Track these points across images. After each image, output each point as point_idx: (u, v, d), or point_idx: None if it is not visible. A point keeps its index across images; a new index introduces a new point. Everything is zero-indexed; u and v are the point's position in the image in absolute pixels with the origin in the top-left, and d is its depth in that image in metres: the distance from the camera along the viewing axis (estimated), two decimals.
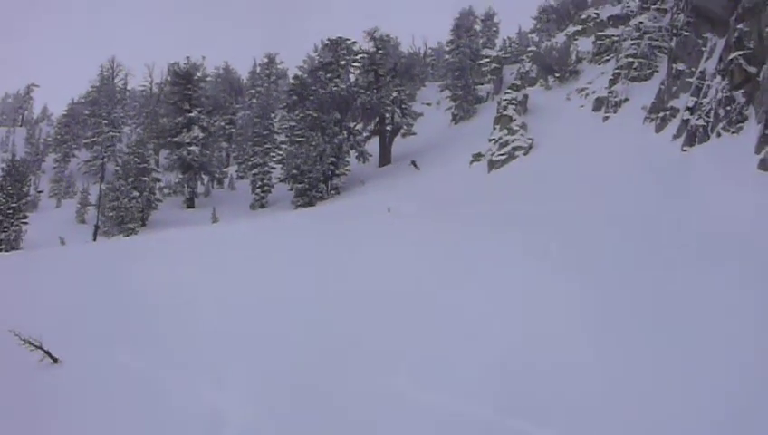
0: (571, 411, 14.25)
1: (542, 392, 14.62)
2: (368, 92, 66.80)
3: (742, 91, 38.53)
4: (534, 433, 13.04)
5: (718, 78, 40.89)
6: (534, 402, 13.62)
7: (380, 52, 69.45)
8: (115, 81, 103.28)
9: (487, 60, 79.72)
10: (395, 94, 67.26)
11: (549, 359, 18.22)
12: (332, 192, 59.72)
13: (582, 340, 18.81)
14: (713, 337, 14.93)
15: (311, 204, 57.26)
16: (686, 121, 40.73)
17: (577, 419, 13.82)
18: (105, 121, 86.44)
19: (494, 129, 52.66)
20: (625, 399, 15.47)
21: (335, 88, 64.02)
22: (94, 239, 56.61)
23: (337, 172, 60.86)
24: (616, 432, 12.94)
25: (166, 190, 69.72)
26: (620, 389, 15.08)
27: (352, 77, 70.50)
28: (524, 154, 48.46)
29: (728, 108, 38.68)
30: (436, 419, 15.67)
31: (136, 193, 60.26)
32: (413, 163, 37.77)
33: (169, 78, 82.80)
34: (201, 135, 69.74)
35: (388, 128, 68.05)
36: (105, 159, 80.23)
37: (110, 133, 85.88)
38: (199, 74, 78.53)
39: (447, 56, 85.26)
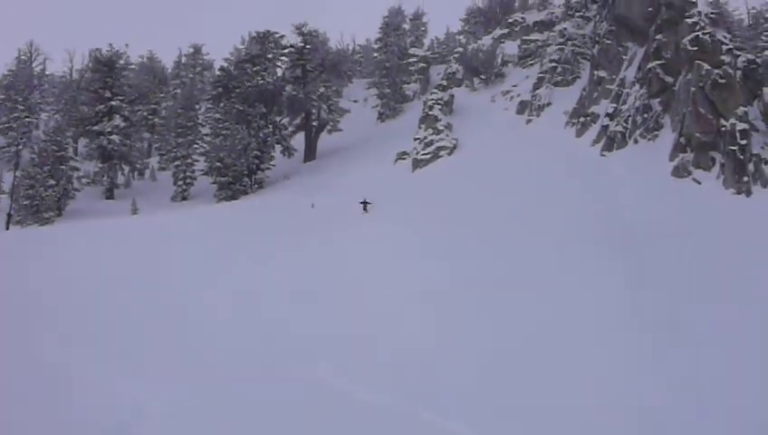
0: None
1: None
2: (295, 87, 66.30)
3: (659, 99, 39.89)
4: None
5: (637, 86, 42.21)
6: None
7: (308, 47, 69.07)
8: (33, 65, 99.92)
9: (415, 59, 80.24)
10: (322, 90, 66.97)
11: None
12: (256, 186, 59.05)
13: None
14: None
15: (234, 197, 56.48)
16: (605, 127, 41.90)
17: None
18: (21, 107, 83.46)
19: (420, 128, 53.11)
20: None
21: (262, 81, 63.29)
22: (7, 229, 54.73)
23: (261, 166, 60.19)
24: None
25: (84, 180, 67.67)
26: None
27: (279, 71, 69.85)
28: (449, 154, 48.98)
29: (645, 115, 39.97)
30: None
31: (53, 182, 58.33)
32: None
33: (91, 65, 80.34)
34: (122, 124, 67.96)
35: (314, 123, 67.70)
36: (20, 146, 77.26)
37: (27, 119, 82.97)
38: (122, 62, 76.47)
39: (375, 54, 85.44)
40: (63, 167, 60.67)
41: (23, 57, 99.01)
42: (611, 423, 15.10)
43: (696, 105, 35.26)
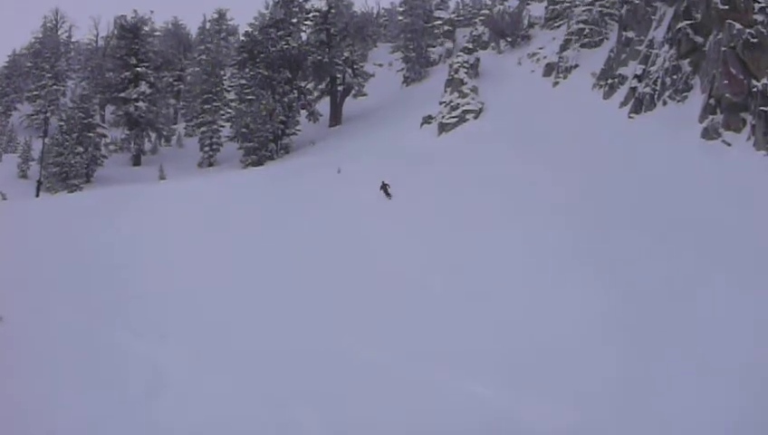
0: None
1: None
2: (319, 52, 66.00)
3: (688, 60, 39.07)
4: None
5: (666, 47, 41.37)
6: None
7: (333, 11, 68.58)
8: (59, 32, 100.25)
9: (440, 22, 79.48)
10: (347, 54, 66.67)
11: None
12: (282, 152, 59.18)
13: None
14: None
15: (260, 163, 56.64)
16: (633, 89, 41.20)
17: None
18: (49, 75, 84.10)
19: (446, 92, 52.61)
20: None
21: (286, 46, 63.06)
22: (37, 195, 55.39)
23: (287, 132, 60.24)
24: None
25: (112, 147, 68.25)
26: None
27: (304, 36, 69.58)
28: (475, 118, 48.60)
29: (674, 77, 39.22)
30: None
31: (80, 149, 58.89)
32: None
33: (116, 32, 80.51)
34: (148, 91, 68.30)
35: (339, 88, 67.53)
36: (48, 114, 78.02)
37: (54, 87, 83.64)
38: (147, 29, 76.60)
39: (400, 17, 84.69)
40: (91, 134, 61.26)
41: (48, 25, 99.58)
42: None
43: (727, 65, 34.49)
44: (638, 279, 21.41)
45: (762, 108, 32.75)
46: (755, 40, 34.28)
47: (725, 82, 34.47)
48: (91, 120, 62.35)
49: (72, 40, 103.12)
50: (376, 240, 28.44)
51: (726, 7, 36.17)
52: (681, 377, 15.85)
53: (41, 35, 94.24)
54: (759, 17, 35.49)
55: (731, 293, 19.45)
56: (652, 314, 18.98)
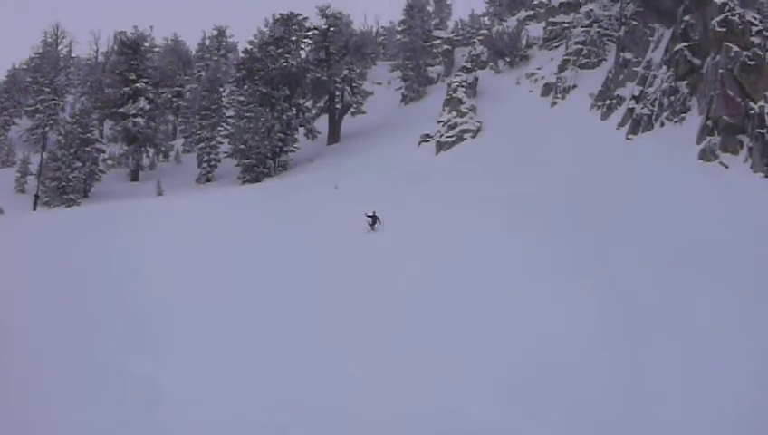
0: None
1: None
2: (318, 69, 66.17)
3: (686, 81, 39.38)
4: None
5: (664, 68, 41.69)
6: None
7: (332, 29, 68.80)
8: (59, 47, 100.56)
9: (439, 41, 79.83)
10: (345, 72, 66.87)
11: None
12: (280, 169, 59.27)
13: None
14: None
15: (257, 180, 56.69)
16: (631, 110, 41.47)
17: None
18: (48, 89, 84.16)
19: (444, 111, 52.83)
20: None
21: (285, 64, 63.27)
22: (34, 209, 55.38)
23: (285, 149, 60.30)
24: None
25: (110, 162, 68.35)
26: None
27: (303, 53, 69.81)
28: (473, 137, 48.77)
29: (672, 98, 39.50)
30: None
31: (78, 164, 58.89)
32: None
33: (116, 47, 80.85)
34: (147, 107, 68.40)
35: (337, 106, 67.64)
36: (47, 128, 78.10)
37: (53, 101, 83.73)
38: (147, 45, 76.98)
39: (399, 36, 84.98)
40: (89, 149, 61.30)
41: (48, 40, 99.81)
42: None
43: (724, 87, 34.77)
44: (635, 293, 21.61)
45: (759, 130, 32.98)
46: (752, 62, 34.57)
47: (723, 103, 34.73)
48: (89, 135, 62.36)
49: (72, 55, 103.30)
50: (373, 256, 28.42)
51: (724, 30, 36.50)
52: (677, 385, 16.05)
53: (41, 50, 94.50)
54: (756, 40, 35.81)
55: (727, 307, 19.73)
56: (649, 325, 19.18)
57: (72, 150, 59.47)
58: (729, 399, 15.29)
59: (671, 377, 16.62)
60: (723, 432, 14.45)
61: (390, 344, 19.45)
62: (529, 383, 16.63)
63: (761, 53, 35.02)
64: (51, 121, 79.90)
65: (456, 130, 49.48)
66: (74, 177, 58.02)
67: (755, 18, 37.41)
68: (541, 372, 17.13)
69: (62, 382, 17.58)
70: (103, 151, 65.49)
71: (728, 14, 36.77)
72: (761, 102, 33.54)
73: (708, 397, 15.47)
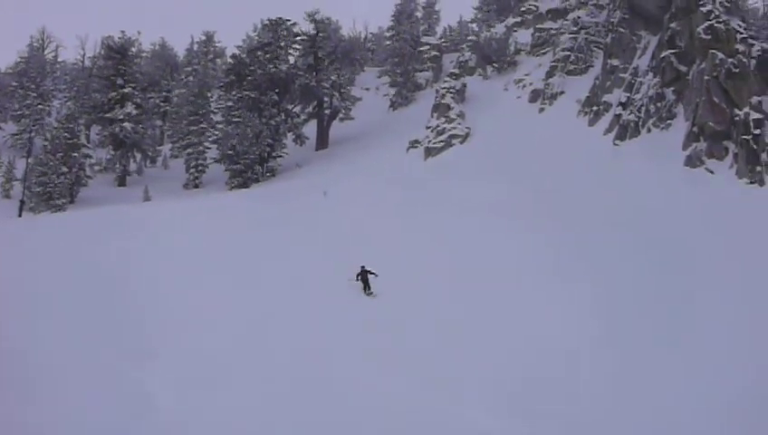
0: None
1: None
2: (307, 75, 66.14)
3: (672, 88, 39.62)
4: None
5: (650, 75, 41.92)
6: None
7: (321, 34, 68.82)
8: (45, 52, 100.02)
9: (427, 47, 79.91)
10: (334, 78, 66.83)
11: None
12: (268, 174, 59.08)
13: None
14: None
15: (245, 185, 56.47)
16: (618, 116, 41.69)
17: None
18: (34, 94, 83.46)
19: (432, 116, 52.94)
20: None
21: (274, 69, 63.14)
22: (19, 215, 54.99)
23: (273, 154, 60.11)
24: None
25: (97, 167, 67.89)
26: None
27: (292, 59, 69.74)
28: (461, 142, 48.89)
29: (658, 104, 39.72)
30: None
31: (65, 169, 58.45)
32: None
33: (103, 52, 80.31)
34: (135, 112, 67.93)
35: (326, 111, 67.53)
36: (33, 133, 77.42)
37: (39, 106, 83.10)
38: (134, 50, 76.50)
39: (388, 42, 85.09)
40: (76, 154, 60.90)
41: (35, 44, 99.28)
42: None
43: (710, 94, 35.04)
44: (621, 292, 21.96)
45: (744, 136, 33.26)
46: (737, 69, 34.87)
47: (708, 110, 35.01)
48: (76, 140, 61.96)
49: (59, 60, 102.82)
50: (364, 259, 28.44)
51: (709, 37, 36.80)
52: (673, 377, 16.43)
53: (26, 55, 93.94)
54: (741, 47, 36.13)
55: (712, 306, 20.09)
56: (640, 324, 19.52)
57: (58, 156, 59.06)
58: (721, 388, 15.72)
59: (666, 370, 16.93)
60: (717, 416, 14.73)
61: (388, 352, 19.57)
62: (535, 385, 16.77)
63: (745, 60, 35.33)
64: (37, 126, 79.30)
65: (445, 135, 49.60)
66: (60, 182, 57.62)
67: (740, 26, 37.75)
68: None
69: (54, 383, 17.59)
70: (90, 157, 65.12)
71: (713, 21, 37.10)
72: (746, 109, 33.83)
73: (701, 388, 15.92)
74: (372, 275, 27.27)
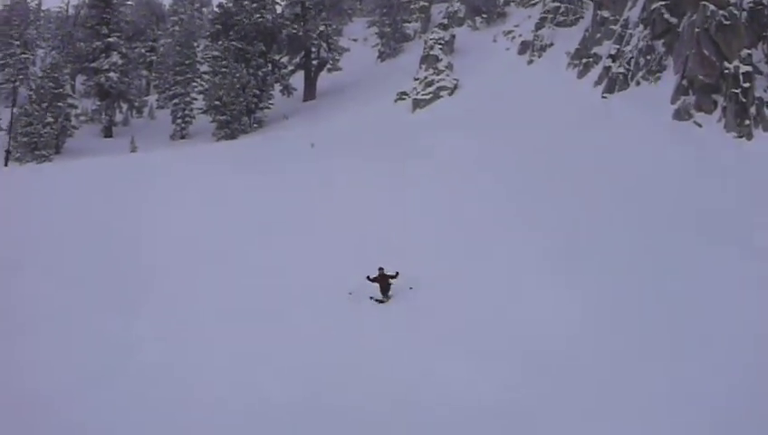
0: None
1: None
2: (294, 25, 65.39)
3: (662, 41, 39.35)
4: None
5: (640, 27, 41.59)
6: None
7: None
8: (28, 0, 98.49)
9: None
10: (322, 28, 65.99)
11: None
12: (255, 125, 58.69)
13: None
14: None
15: (232, 136, 56.14)
16: (607, 69, 41.46)
17: None
18: (17, 43, 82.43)
19: (420, 68, 52.56)
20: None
21: (261, 19, 62.31)
22: (5, 165, 54.62)
23: (260, 105, 59.66)
24: None
25: (82, 118, 67.26)
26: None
27: (279, 8, 68.90)
28: (449, 94, 48.71)
29: (648, 57, 39.50)
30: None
31: (50, 119, 57.91)
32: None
33: (87, 0, 79.34)
34: (120, 62, 67.16)
35: (313, 62, 66.92)
36: (17, 83, 76.57)
37: (23, 55, 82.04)
38: None
39: None
40: (61, 104, 60.27)
41: None
42: None
43: (700, 47, 34.84)
44: (609, 242, 22.30)
45: (733, 90, 33.20)
46: (728, 22, 34.61)
47: (698, 63, 34.85)
48: (61, 90, 61.25)
49: (43, 8, 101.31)
50: (349, 213, 28.47)
51: None
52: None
53: (9, 2, 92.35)
54: None
55: (719, 266, 20.32)
56: (641, 291, 19.79)
57: (43, 106, 58.47)
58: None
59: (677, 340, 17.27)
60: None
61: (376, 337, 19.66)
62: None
63: (736, 13, 35.05)
64: (21, 76, 78.25)
65: (433, 87, 49.37)
66: (46, 132, 57.14)
67: None
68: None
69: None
70: (75, 107, 64.45)
71: None
72: (735, 62, 33.71)
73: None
74: (392, 279, 21.71)
